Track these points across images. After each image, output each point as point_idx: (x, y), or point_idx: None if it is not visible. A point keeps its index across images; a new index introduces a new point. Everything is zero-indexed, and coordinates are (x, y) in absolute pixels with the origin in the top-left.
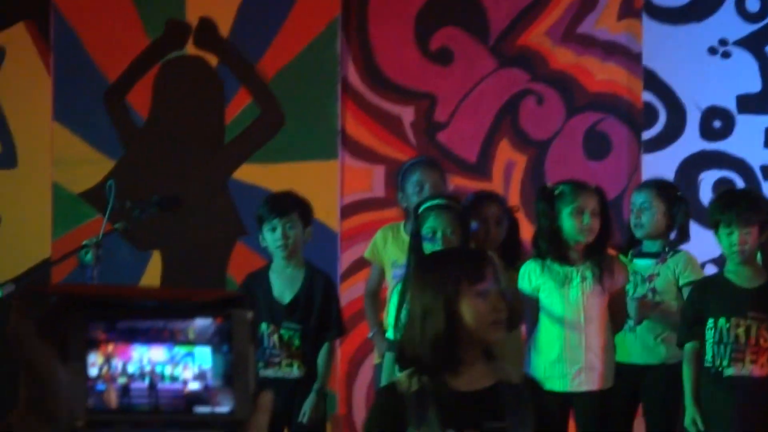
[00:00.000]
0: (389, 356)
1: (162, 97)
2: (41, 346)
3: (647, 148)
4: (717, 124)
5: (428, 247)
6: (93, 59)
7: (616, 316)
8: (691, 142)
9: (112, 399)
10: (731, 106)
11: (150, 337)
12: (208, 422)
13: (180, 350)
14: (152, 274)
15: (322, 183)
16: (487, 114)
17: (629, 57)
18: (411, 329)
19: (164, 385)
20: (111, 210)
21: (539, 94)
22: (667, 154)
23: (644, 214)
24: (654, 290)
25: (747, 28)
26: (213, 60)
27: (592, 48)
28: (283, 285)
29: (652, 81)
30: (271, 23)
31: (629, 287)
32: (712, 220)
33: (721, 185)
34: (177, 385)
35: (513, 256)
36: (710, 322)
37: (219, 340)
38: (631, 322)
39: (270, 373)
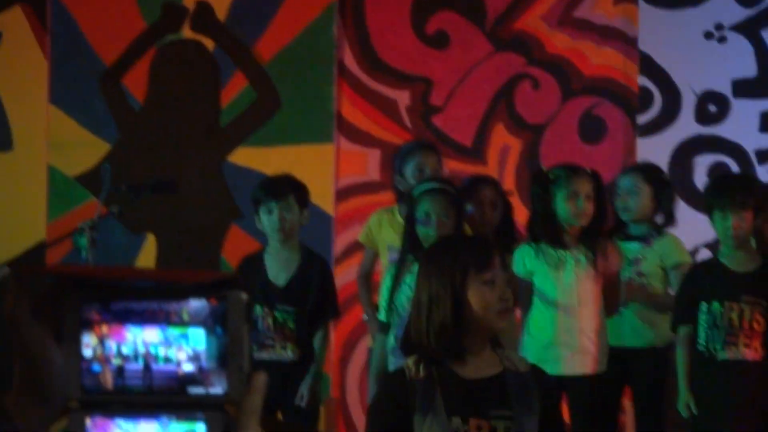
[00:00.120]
0: (380, 338)
1: (158, 81)
2: (36, 328)
3: (642, 132)
4: (712, 108)
5: (422, 231)
6: (89, 42)
7: (610, 300)
8: (686, 127)
9: (108, 380)
10: (727, 90)
11: (144, 319)
12: (202, 403)
13: (174, 331)
14: (147, 257)
15: (318, 166)
16: (483, 98)
17: (625, 41)
18: (417, 317)
19: (158, 367)
20: (106, 193)
21: (535, 79)
22: (662, 139)
23: (631, 198)
24: (640, 273)
25: (743, 13)
26: (209, 44)
27: (588, 32)
28: (278, 268)
29: (648, 65)
30: (267, 7)
31: None
32: (706, 204)
33: (716, 169)
34: (171, 367)
35: (507, 239)
36: (704, 306)
37: (213, 322)
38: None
39: (264, 355)
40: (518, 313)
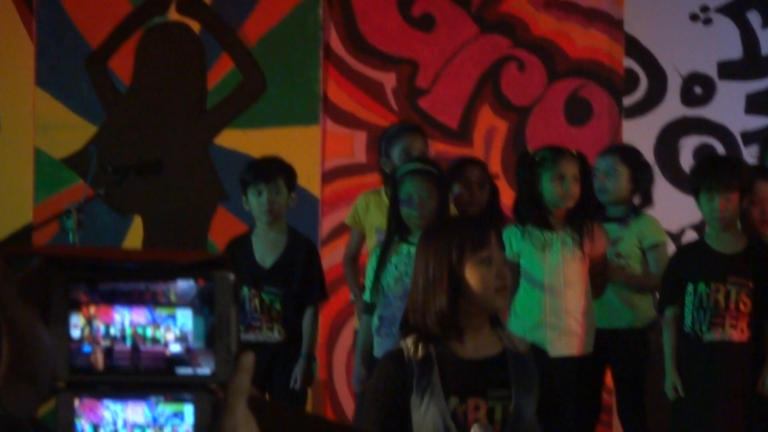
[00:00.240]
0: (365, 318)
1: (144, 63)
2: (23, 308)
3: (628, 114)
4: (698, 90)
5: (405, 212)
6: (75, 25)
7: (596, 282)
8: (671, 108)
9: (99, 360)
10: (712, 72)
11: (131, 299)
12: (190, 384)
13: (162, 312)
14: (133, 239)
15: (304, 148)
16: (469, 80)
17: (611, 23)
18: (416, 296)
19: (146, 347)
20: (93, 175)
21: (521, 60)
22: (647, 120)
23: (609, 180)
24: (618, 254)
25: None
26: (195, 26)
27: (573, 14)
28: (265, 249)
29: (634, 47)
30: None
31: None
32: (692, 186)
33: (701, 151)
34: (158, 347)
35: (494, 221)
36: (690, 287)
37: (200, 302)
38: None
39: (251, 337)
40: None
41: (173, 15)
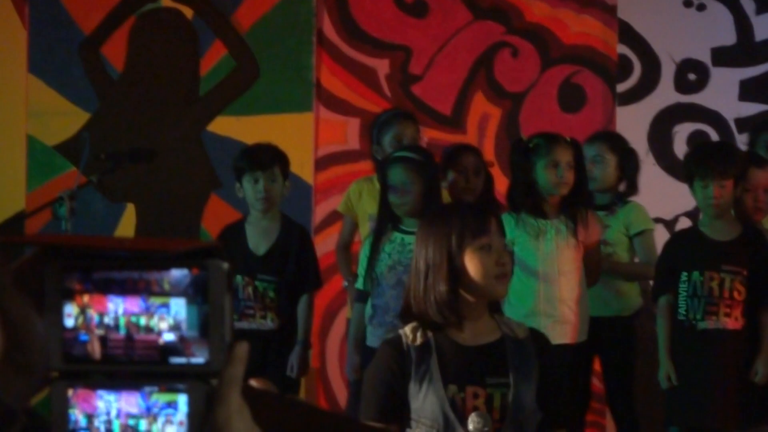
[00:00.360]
0: (358, 306)
1: (137, 50)
2: (17, 297)
3: (622, 100)
4: (692, 76)
5: (391, 199)
6: (68, 11)
7: (590, 270)
8: (665, 95)
9: (96, 349)
10: (706, 58)
11: (125, 288)
12: (183, 373)
13: (155, 301)
14: (126, 227)
15: (297, 135)
16: (462, 66)
17: (604, 9)
18: (415, 283)
19: (140, 336)
20: (85, 162)
21: (514, 47)
22: (641, 107)
23: (596, 167)
24: (605, 242)
25: None
26: (188, 12)
27: (567, 0)
28: (258, 237)
29: (627, 33)
30: None
31: None
32: (686, 173)
33: (695, 138)
34: (152, 336)
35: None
36: (684, 275)
37: (194, 291)
38: None
39: (244, 325)
40: None
41: (166, 1)
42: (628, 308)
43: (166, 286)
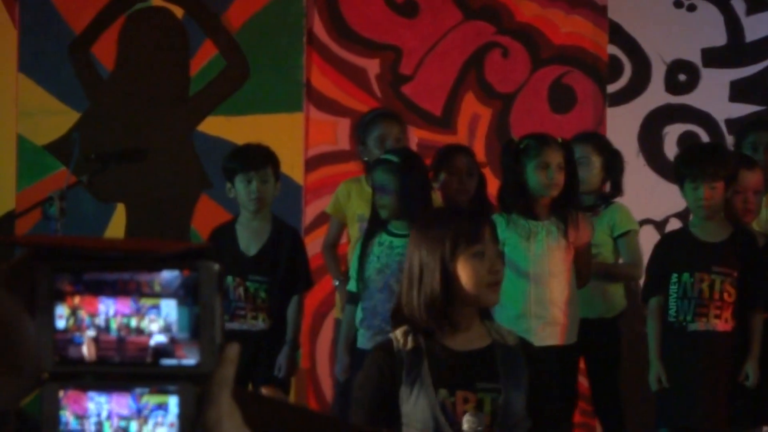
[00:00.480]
0: (349, 309)
1: (127, 49)
2: (8, 299)
3: (612, 101)
4: (682, 77)
5: (376, 200)
6: (58, 11)
7: (581, 272)
8: (656, 96)
9: (91, 351)
10: (696, 59)
11: (116, 290)
12: (174, 374)
13: (146, 302)
14: (116, 227)
15: (287, 135)
16: (452, 67)
17: (595, 10)
18: (407, 287)
19: (130, 338)
20: (75, 162)
21: (504, 47)
22: (632, 108)
23: (581, 168)
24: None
25: None
26: (178, 11)
27: (557, 1)
28: (249, 238)
29: (618, 34)
30: None
31: None
32: (677, 174)
33: (685, 139)
34: (143, 338)
35: (481, 210)
36: (674, 276)
37: (185, 293)
38: None
39: (235, 325)
40: None
41: (156, 1)
42: (612, 309)
43: (157, 288)
